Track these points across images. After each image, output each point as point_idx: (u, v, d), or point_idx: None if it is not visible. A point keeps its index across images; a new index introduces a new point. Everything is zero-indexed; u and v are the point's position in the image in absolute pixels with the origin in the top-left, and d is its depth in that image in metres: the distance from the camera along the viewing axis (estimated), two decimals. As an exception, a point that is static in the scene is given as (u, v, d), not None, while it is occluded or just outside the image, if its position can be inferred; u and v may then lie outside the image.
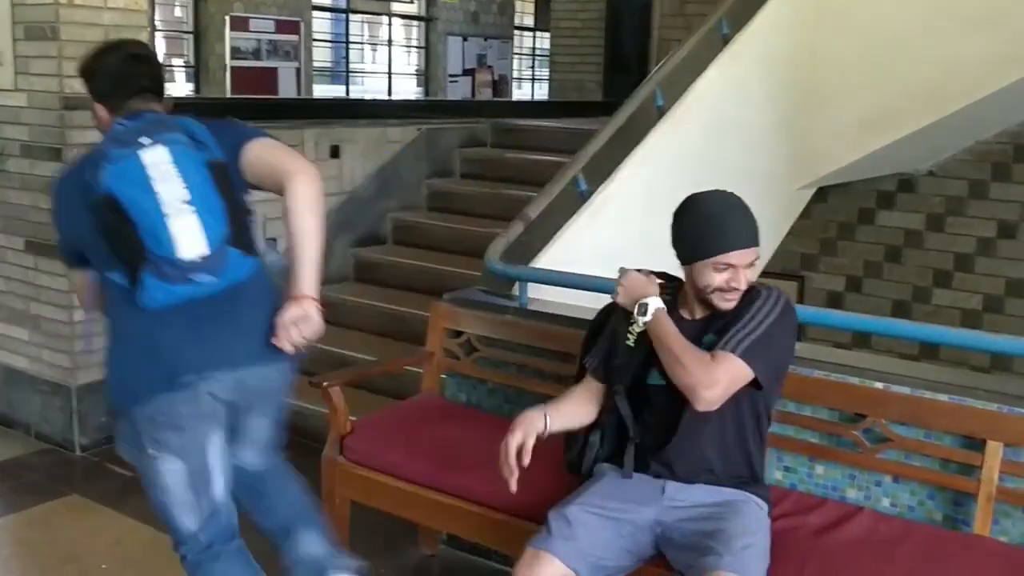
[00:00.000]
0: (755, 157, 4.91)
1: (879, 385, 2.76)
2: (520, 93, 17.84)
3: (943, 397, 2.66)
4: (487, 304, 3.56)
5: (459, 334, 3.55)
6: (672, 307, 2.45)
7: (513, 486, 2.45)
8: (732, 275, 2.32)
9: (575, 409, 2.61)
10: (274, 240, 5.21)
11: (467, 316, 3.53)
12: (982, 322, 6.48)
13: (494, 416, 3.46)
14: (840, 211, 6.79)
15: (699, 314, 2.45)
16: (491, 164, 6.22)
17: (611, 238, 4.10)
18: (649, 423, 2.49)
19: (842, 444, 2.81)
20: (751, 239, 2.35)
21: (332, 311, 5.34)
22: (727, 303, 2.36)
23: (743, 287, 2.35)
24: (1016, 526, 2.57)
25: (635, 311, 2.42)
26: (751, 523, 2.37)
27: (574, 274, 3.46)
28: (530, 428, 2.48)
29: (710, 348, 2.33)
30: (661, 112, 4.35)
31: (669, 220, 2.43)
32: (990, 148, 6.45)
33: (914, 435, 2.70)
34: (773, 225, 5.32)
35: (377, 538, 3.60)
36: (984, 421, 2.58)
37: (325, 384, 3.16)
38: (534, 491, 2.74)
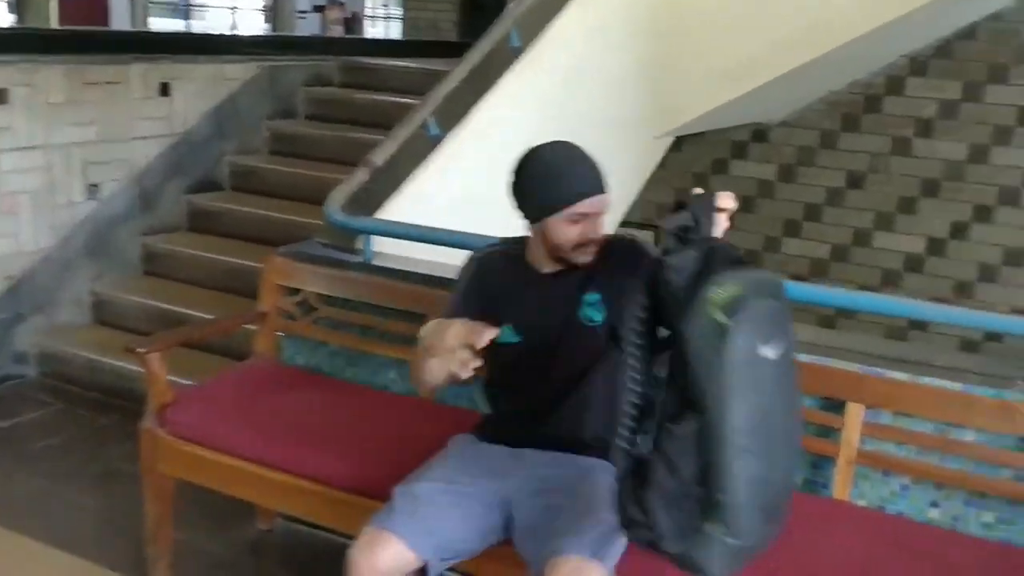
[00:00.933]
0: (614, 104, 4.75)
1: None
2: (374, 31, 17.28)
3: (803, 357, 2.54)
4: (327, 259, 3.27)
5: (296, 291, 3.26)
6: (520, 264, 2.31)
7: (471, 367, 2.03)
8: (588, 226, 2.18)
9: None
10: (96, 186, 4.77)
11: (305, 272, 3.24)
12: (829, 270, 6.59)
13: (335, 381, 3.20)
14: (695, 161, 6.73)
15: (549, 267, 2.28)
16: (339, 105, 5.86)
17: (465, 186, 3.87)
18: (508, 387, 2.35)
19: (701, 407, 2.68)
20: (602, 186, 2.20)
21: (163, 264, 5.01)
22: (587, 256, 2.21)
23: (599, 238, 2.20)
24: (875, 489, 2.50)
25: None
26: (605, 494, 2.17)
27: (423, 227, 3.21)
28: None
29: (595, 306, 2.21)
30: (517, 53, 4.10)
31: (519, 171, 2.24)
32: (842, 99, 6.49)
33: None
34: (632, 174, 5.19)
35: (208, 512, 3.32)
36: (845, 382, 2.49)
37: (141, 351, 2.82)
38: (380, 465, 2.53)
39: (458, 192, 3.84)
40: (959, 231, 6.32)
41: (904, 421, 2.46)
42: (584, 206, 2.16)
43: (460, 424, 2.78)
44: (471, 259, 2.43)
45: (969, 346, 6.05)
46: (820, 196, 6.68)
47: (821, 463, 2.56)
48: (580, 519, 2.09)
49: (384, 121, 5.53)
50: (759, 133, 6.74)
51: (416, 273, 3.10)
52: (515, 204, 2.26)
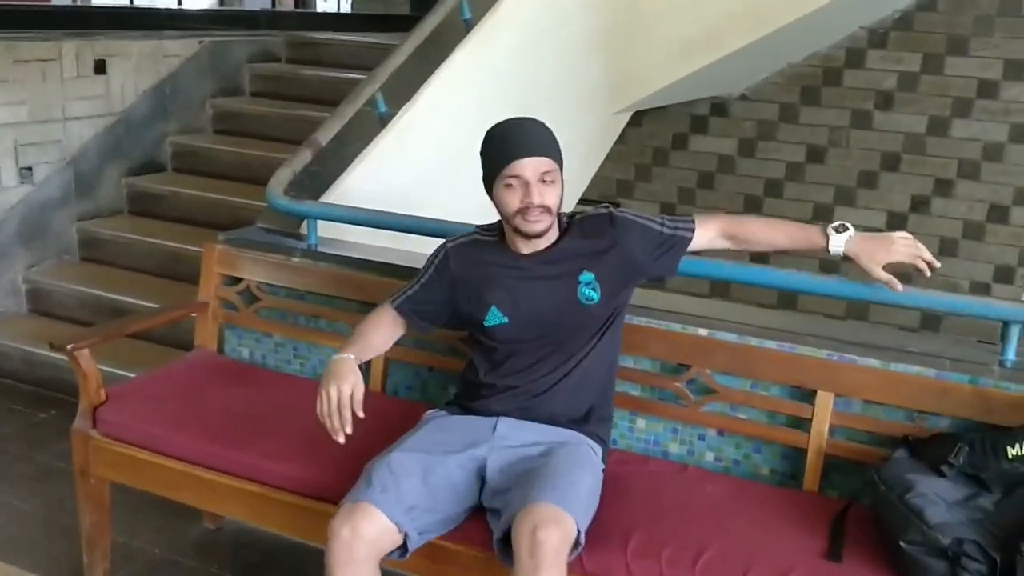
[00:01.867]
0: (572, 79, 4.60)
1: (703, 332, 2.51)
2: (325, 5, 16.89)
3: (771, 344, 2.44)
4: (270, 245, 3.09)
5: (238, 280, 3.08)
6: (498, 247, 2.30)
7: (345, 433, 2.18)
8: (525, 191, 2.15)
9: (382, 344, 2.45)
10: (30, 169, 4.54)
11: (247, 260, 3.06)
12: (791, 247, 6.50)
13: (281, 375, 3.04)
14: (655, 136, 6.60)
15: (525, 248, 2.26)
16: (285, 82, 5.64)
17: (416, 167, 3.70)
18: (497, 365, 2.32)
19: (664, 397, 2.56)
20: (540, 148, 2.17)
21: (102, 249, 4.79)
22: (532, 224, 2.17)
23: (537, 201, 2.15)
24: (847, 481, 2.39)
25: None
26: (582, 461, 2.19)
27: (372, 210, 3.05)
28: (356, 379, 2.22)
29: (591, 284, 2.22)
30: (469, 26, 3.93)
31: (479, 147, 2.19)
32: (800, 71, 6.39)
33: (741, 386, 2.48)
34: (591, 150, 5.05)
35: (151, 511, 3.16)
36: (814, 370, 2.38)
37: (71, 347, 2.64)
38: (330, 465, 2.40)
39: (409, 173, 3.67)
40: (920, 205, 6.26)
41: (875, 410, 2.35)
42: (515, 168, 2.14)
43: (414, 417, 2.65)
44: (442, 247, 2.39)
45: (930, 321, 6.01)
46: (781, 171, 6.59)
47: (790, 454, 2.45)
48: (556, 477, 2.07)
49: (333, 98, 5.32)
50: (719, 107, 6.63)
51: (364, 260, 2.94)
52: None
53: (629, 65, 4.87)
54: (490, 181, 2.21)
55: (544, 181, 2.16)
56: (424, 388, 2.90)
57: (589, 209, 2.35)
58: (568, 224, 2.30)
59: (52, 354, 4.11)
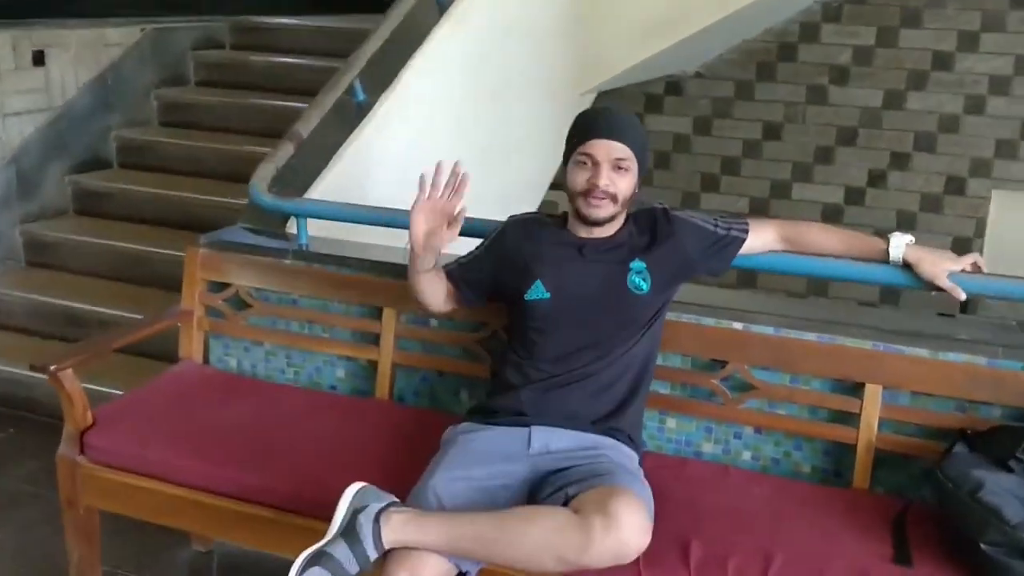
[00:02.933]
0: (542, 60, 4.45)
1: (738, 326, 2.40)
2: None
3: (811, 336, 2.34)
4: (258, 247, 2.88)
5: (224, 286, 2.87)
6: (559, 229, 2.28)
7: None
8: (595, 172, 2.12)
9: (443, 288, 2.37)
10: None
11: (234, 263, 2.85)
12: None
13: (275, 385, 2.85)
14: (611, 116, 6.49)
15: (585, 232, 2.22)
16: (232, 69, 5.36)
17: (398, 156, 3.51)
18: (528, 349, 2.22)
19: (697, 394, 2.45)
20: (619, 134, 2.14)
21: (50, 253, 4.48)
22: (593, 208, 2.14)
23: (603, 184, 2.12)
24: (894, 476, 2.30)
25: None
26: (628, 464, 2.12)
27: (368, 207, 2.88)
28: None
29: (641, 274, 2.18)
30: (443, 8, 3.74)
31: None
32: (755, 47, 6.35)
33: (780, 381, 2.37)
34: (561, 132, 4.88)
35: (137, 534, 2.93)
36: (860, 361, 2.28)
37: (54, 368, 2.41)
38: (339, 479, 2.20)
39: (391, 162, 3.48)
40: (877, 179, 6.28)
41: (924, 401, 2.27)
42: (589, 146, 2.13)
43: (424, 426, 2.50)
44: (505, 222, 2.37)
45: (888, 296, 6.02)
46: (737, 148, 6.55)
47: (832, 449, 2.36)
48: (617, 470, 2.03)
49: (283, 85, 5.13)
50: (673, 85, 6.55)
51: (363, 260, 2.76)
52: None
53: (596, 45, 4.74)
54: (564, 163, 2.22)
55: (618, 168, 2.13)
56: (433, 394, 2.73)
57: (648, 205, 2.33)
58: (624, 219, 2.25)
59: (4, 367, 3.87)
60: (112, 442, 2.46)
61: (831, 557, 1.98)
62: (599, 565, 1.85)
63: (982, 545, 1.87)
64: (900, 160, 6.19)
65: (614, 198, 2.14)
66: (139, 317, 3.73)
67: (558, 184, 5.50)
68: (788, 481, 2.35)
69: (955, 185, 6.10)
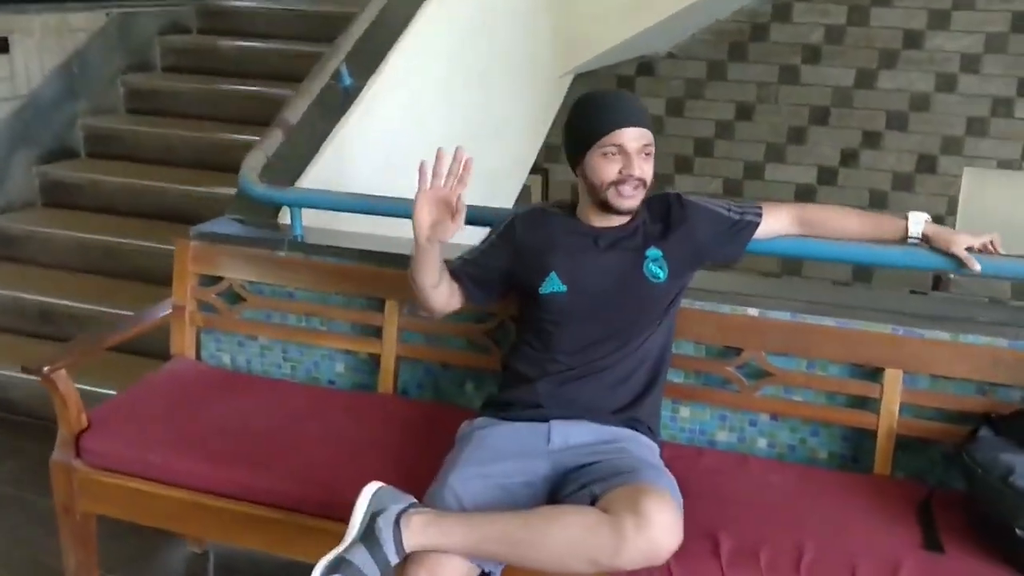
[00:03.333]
0: (523, 41, 4.39)
1: (753, 312, 2.36)
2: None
3: (829, 321, 2.31)
4: (252, 239, 2.79)
5: (217, 280, 2.78)
6: (570, 219, 2.20)
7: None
8: (626, 162, 2.05)
9: (448, 289, 2.22)
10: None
11: (226, 256, 2.76)
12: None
13: (271, 380, 2.77)
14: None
15: (599, 222, 2.16)
16: (200, 54, 5.20)
17: (387, 141, 3.43)
18: (544, 341, 2.16)
19: (711, 382, 2.41)
20: (641, 120, 2.08)
21: (18, 247, 4.32)
22: (625, 199, 2.08)
23: (638, 173, 2.06)
24: (914, 461, 2.29)
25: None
26: (650, 457, 2.07)
27: (368, 196, 2.79)
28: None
29: (658, 261, 2.12)
30: (427, -10, 3.65)
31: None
32: (727, 27, 6.33)
33: (797, 367, 2.34)
34: (542, 114, 4.84)
35: (132, 536, 2.82)
36: (879, 346, 2.26)
37: (47, 370, 2.31)
38: (345, 476, 2.17)
39: (379, 147, 3.40)
40: (849, 158, 6.30)
41: (944, 384, 2.25)
42: (617, 136, 2.05)
43: (429, 420, 2.45)
44: (511, 214, 2.28)
45: (862, 273, 6.05)
46: (710, 129, 6.54)
47: (851, 435, 2.34)
48: (642, 464, 1.99)
49: (253, 70, 5.00)
50: (646, 66, 6.51)
51: (361, 251, 2.68)
52: (565, 154, 2.17)
53: (576, 26, 4.69)
54: (580, 152, 2.10)
55: (645, 155, 2.07)
56: (437, 387, 2.67)
57: (661, 191, 2.25)
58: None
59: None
60: (110, 445, 2.37)
61: (861, 545, 1.95)
62: (630, 567, 1.80)
63: (1017, 530, 1.86)
64: (872, 139, 6.22)
65: (644, 184, 2.09)
66: (115, 312, 3.65)
67: (535, 168, 5.49)
68: (807, 468, 2.33)
69: (927, 163, 6.15)
